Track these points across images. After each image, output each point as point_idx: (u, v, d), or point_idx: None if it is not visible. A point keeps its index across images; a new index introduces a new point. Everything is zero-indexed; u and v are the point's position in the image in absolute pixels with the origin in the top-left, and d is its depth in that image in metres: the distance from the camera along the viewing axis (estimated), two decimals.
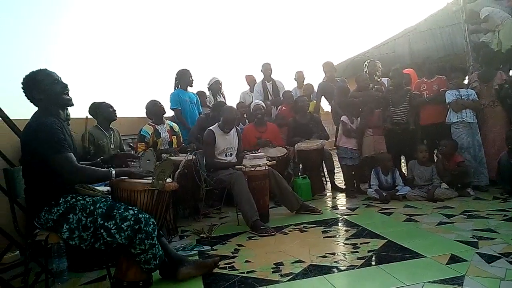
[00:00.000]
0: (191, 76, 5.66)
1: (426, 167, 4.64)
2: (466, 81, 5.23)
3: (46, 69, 2.40)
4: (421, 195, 4.43)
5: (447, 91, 4.79)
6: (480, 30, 6.25)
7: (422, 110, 5.09)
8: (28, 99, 2.38)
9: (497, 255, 2.51)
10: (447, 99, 4.74)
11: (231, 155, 4.37)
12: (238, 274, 2.63)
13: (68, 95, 2.43)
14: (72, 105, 2.47)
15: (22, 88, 2.36)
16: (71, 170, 2.21)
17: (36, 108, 2.38)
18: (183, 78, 5.62)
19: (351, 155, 5.04)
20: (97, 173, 2.36)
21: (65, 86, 2.42)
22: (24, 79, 2.35)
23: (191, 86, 5.72)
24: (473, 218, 3.46)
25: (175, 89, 5.66)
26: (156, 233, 2.40)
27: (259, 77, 6.80)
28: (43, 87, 2.33)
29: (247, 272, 2.65)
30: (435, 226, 3.34)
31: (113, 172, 2.38)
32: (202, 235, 3.67)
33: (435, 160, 5.01)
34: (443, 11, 9.34)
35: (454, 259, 2.50)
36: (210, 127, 4.33)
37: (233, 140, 4.43)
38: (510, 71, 5.46)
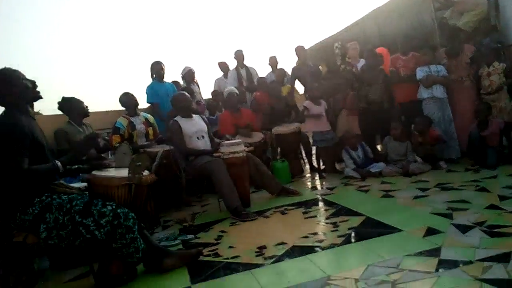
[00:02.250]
0: (162, 69, 5.58)
1: (400, 142, 4.75)
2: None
3: (9, 67, 2.36)
4: (396, 171, 4.54)
5: (418, 68, 4.87)
6: (444, 7, 6.33)
7: (398, 87, 5.16)
8: None
9: (471, 224, 2.60)
10: (418, 76, 4.82)
11: (203, 138, 4.29)
12: (223, 260, 2.65)
13: (37, 90, 2.42)
14: (41, 98, 2.46)
15: None
16: (17, 173, 2.16)
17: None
18: (156, 71, 5.55)
19: (322, 138, 5.10)
20: (42, 170, 2.27)
21: (34, 82, 2.42)
22: None
23: (162, 78, 5.63)
24: (447, 190, 3.57)
25: (152, 81, 5.58)
26: (136, 227, 2.38)
27: (232, 63, 6.80)
28: (15, 82, 2.31)
29: (231, 258, 2.68)
30: (411, 200, 3.43)
31: (58, 163, 2.30)
32: (184, 224, 3.68)
33: (411, 136, 5.12)
34: None
35: (430, 231, 2.58)
36: (174, 118, 4.30)
37: (199, 124, 4.37)
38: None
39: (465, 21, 5.55)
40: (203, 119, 4.55)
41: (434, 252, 2.25)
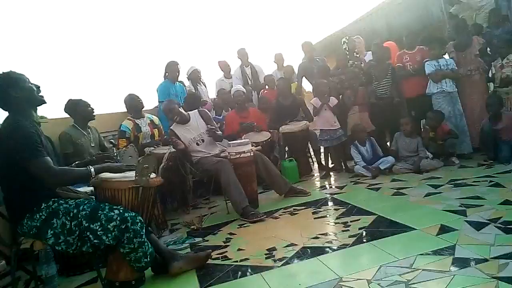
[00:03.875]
0: (178, 70, 5.58)
1: (411, 138, 4.67)
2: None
3: (15, 71, 2.34)
4: (407, 168, 4.47)
5: (427, 62, 4.79)
6: (454, 1, 6.25)
7: (406, 82, 5.09)
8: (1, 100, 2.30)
9: (485, 221, 2.54)
10: (427, 70, 4.74)
11: (202, 142, 4.22)
12: (232, 263, 2.61)
13: (41, 95, 2.40)
14: (45, 102, 2.44)
15: None
16: (50, 173, 2.15)
17: (5, 114, 2.31)
18: (171, 71, 5.53)
19: (327, 137, 5.03)
20: (76, 173, 2.31)
21: (38, 86, 2.40)
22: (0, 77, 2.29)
23: (176, 79, 5.63)
24: (459, 187, 3.50)
25: (164, 80, 5.57)
26: (144, 231, 2.36)
27: (233, 62, 6.68)
28: (21, 85, 2.29)
29: (241, 261, 2.64)
30: (423, 198, 3.36)
31: (92, 169, 2.31)
32: (192, 227, 3.65)
33: (422, 131, 5.04)
34: None
35: (444, 229, 2.52)
36: (170, 127, 4.26)
37: (197, 126, 4.25)
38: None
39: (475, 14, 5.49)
40: (202, 115, 4.35)
41: (448, 251, 2.19)
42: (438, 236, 2.43)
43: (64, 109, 4.10)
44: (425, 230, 2.57)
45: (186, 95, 5.54)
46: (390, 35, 8.14)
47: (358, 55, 5.77)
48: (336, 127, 5.01)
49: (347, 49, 5.77)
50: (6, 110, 2.31)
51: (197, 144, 4.18)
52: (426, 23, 8.61)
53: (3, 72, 2.30)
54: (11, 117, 2.28)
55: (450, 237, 2.38)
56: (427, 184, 3.78)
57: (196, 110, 4.41)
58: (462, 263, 2.02)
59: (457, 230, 2.47)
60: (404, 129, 4.70)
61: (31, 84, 2.37)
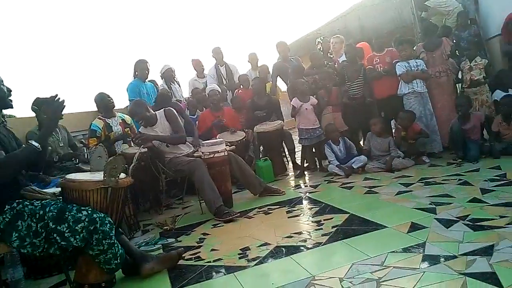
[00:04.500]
0: (147, 69, 5.49)
1: (383, 138, 4.74)
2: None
3: None
4: (379, 167, 4.54)
5: (397, 63, 4.88)
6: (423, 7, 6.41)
7: (377, 83, 5.16)
8: None
9: (455, 219, 2.59)
10: (398, 71, 4.82)
11: None
12: (205, 264, 2.58)
13: (10, 99, 2.36)
14: (12, 107, 2.40)
15: None
16: None
17: None
18: (141, 69, 5.44)
19: (307, 135, 5.05)
20: (20, 155, 2.17)
21: (10, 90, 2.35)
22: None
23: (146, 78, 5.54)
24: (430, 185, 3.57)
25: (133, 79, 5.47)
26: (114, 232, 2.30)
27: (207, 61, 6.63)
28: None
29: (214, 261, 2.61)
30: (395, 196, 3.42)
31: (34, 143, 2.19)
32: (165, 227, 3.59)
33: (393, 131, 5.13)
34: None
35: (414, 227, 2.56)
36: (138, 129, 4.16)
37: (165, 128, 4.10)
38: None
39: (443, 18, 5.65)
40: (166, 115, 4.13)
41: (418, 248, 2.23)
42: (409, 233, 2.47)
43: (31, 107, 3.96)
44: (396, 228, 2.61)
45: (157, 94, 5.46)
46: (363, 36, 8.27)
47: (332, 56, 5.82)
48: (316, 125, 5.04)
49: (321, 49, 5.81)
50: None
51: (167, 146, 4.06)
52: (398, 25, 8.81)
53: None
54: None
55: (420, 234, 2.42)
56: (399, 183, 3.84)
57: (162, 110, 4.20)
58: (432, 260, 2.06)
59: (427, 227, 2.51)
60: (373, 129, 4.77)
61: (4, 85, 2.30)
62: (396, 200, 3.30)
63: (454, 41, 5.31)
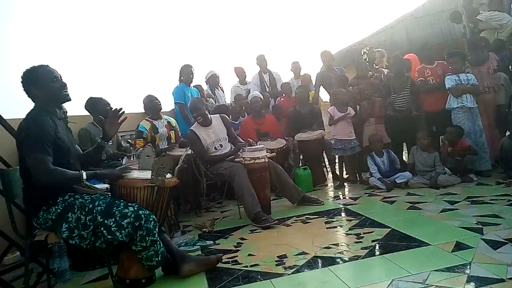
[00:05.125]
0: (192, 73, 5.62)
1: (428, 153, 4.60)
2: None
3: (47, 65, 2.37)
4: (423, 182, 4.40)
5: (447, 77, 4.73)
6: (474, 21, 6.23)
7: (427, 96, 5.02)
8: (26, 93, 2.35)
9: (503, 240, 2.48)
10: (447, 85, 4.67)
11: (221, 147, 4.21)
12: (242, 268, 2.60)
13: (66, 92, 2.40)
14: (70, 100, 2.44)
15: (21, 82, 2.33)
16: (41, 170, 2.13)
17: (32, 105, 2.35)
18: (186, 74, 5.59)
19: (341, 146, 4.98)
20: (68, 175, 2.24)
21: (64, 84, 2.40)
22: (24, 73, 2.33)
23: (191, 82, 5.68)
24: (476, 204, 3.43)
25: (179, 83, 5.63)
26: (157, 230, 2.37)
27: (250, 69, 6.66)
28: (42, 83, 2.31)
29: (251, 266, 2.62)
30: (439, 213, 3.31)
31: (84, 174, 2.28)
32: (204, 229, 3.65)
33: (440, 146, 4.96)
34: None
35: (459, 246, 2.47)
36: (191, 127, 4.24)
37: (218, 131, 4.23)
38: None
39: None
40: (223, 120, 4.35)
41: (463, 268, 2.15)
42: (453, 253, 2.39)
43: (85, 106, 4.17)
44: (440, 246, 2.53)
45: (215, 107, 5.57)
46: (410, 48, 8.10)
47: (377, 67, 5.73)
48: (351, 137, 4.97)
49: (367, 59, 5.74)
50: (32, 101, 2.36)
51: (215, 148, 4.17)
52: (447, 37, 8.57)
53: (32, 66, 2.33)
54: (32, 111, 2.33)
55: (465, 254, 2.33)
56: (444, 200, 3.72)
57: (218, 114, 4.40)
58: (477, 281, 1.98)
59: (473, 247, 2.42)
60: (421, 144, 4.64)
61: (59, 80, 2.36)
62: (441, 217, 3.19)
63: (508, 57, 5.09)
